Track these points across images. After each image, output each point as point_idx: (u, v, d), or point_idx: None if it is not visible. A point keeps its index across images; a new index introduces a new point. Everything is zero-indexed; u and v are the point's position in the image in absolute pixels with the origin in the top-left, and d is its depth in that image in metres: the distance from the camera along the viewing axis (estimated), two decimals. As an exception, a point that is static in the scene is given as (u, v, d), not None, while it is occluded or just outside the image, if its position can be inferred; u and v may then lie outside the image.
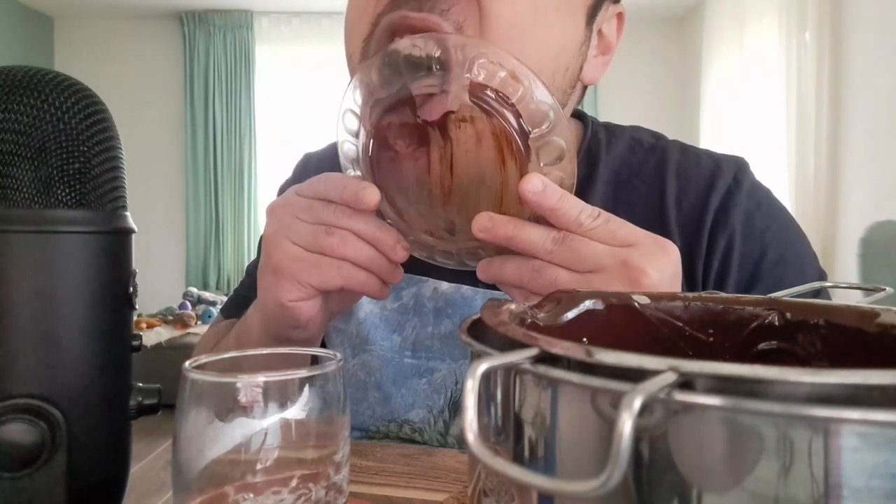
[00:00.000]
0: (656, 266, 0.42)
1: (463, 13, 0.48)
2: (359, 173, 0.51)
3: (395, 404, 0.62)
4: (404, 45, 0.45)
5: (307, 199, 0.49)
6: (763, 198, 0.62)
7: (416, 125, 0.47)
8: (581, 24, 0.56)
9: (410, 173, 0.49)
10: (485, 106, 0.45)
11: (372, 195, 0.46)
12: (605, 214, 0.44)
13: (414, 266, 0.54)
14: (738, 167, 0.62)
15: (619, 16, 0.61)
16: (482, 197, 0.47)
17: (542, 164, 0.45)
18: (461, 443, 0.61)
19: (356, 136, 0.50)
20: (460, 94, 0.45)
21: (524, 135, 0.45)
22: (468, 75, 0.44)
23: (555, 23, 0.53)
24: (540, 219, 0.44)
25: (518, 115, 0.45)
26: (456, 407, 0.61)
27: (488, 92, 0.45)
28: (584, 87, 0.63)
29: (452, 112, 0.45)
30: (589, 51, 0.58)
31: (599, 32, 0.59)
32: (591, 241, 0.43)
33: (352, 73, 0.53)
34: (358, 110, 0.49)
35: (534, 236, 0.43)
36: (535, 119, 0.45)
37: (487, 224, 0.44)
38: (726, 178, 0.61)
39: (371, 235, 0.48)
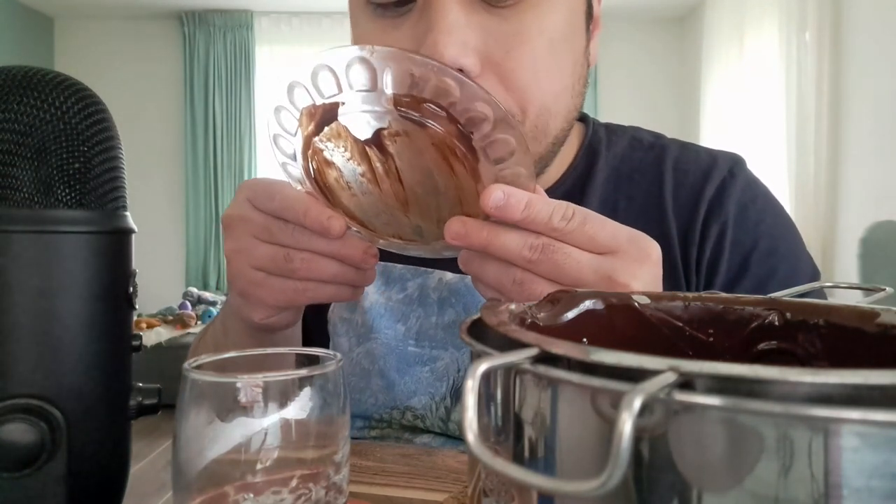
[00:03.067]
0: (640, 278, 0.41)
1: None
2: (309, 188, 0.49)
3: (398, 392, 0.63)
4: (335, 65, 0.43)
5: (263, 217, 0.47)
6: (759, 192, 0.63)
7: (350, 143, 0.45)
8: (583, 32, 0.57)
9: (360, 189, 0.47)
10: (415, 117, 0.43)
11: (337, 226, 0.44)
12: (581, 213, 0.41)
13: (420, 260, 0.54)
14: (734, 162, 0.64)
15: None
16: (441, 203, 0.46)
17: (493, 163, 0.43)
18: (462, 429, 0.61)
19: (294, 158, 0.48)
20: (387, 111, 0.43)
21: (466, 138, 0.42)
22: (390, 91, 0.42)
23: (565, 49, 0.54)
24: None
25: (454, 121, 0.42)
26: (458, 394, 0.62)
27: (412, 102, 0.42)
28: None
29: (383, 128, 0.44)
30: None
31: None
32: (572, 252, 0.41)
33: None
34: (287, 134, 0.47)
35: (510, 243, 0.41)
36: (474, 121, 0.42)
37: (461, 230, 0.41)
38: (722, 170, 0.62)
39: (335, 253, 0.46)
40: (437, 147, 0.44)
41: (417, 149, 0.44)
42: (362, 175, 0.47)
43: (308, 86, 0.43)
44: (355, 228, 0.49)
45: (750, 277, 0.59)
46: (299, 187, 0.49)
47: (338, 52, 0.41)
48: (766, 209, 0.62)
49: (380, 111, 0.43)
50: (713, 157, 0.64)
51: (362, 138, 0.45)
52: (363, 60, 0.41)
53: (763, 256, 0.59)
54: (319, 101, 0.44)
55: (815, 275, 0.61)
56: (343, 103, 0.44)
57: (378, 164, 0.46)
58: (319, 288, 0.48)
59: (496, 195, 0.40)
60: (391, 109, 0.43)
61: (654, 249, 0.43)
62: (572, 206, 0.41)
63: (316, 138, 0.46)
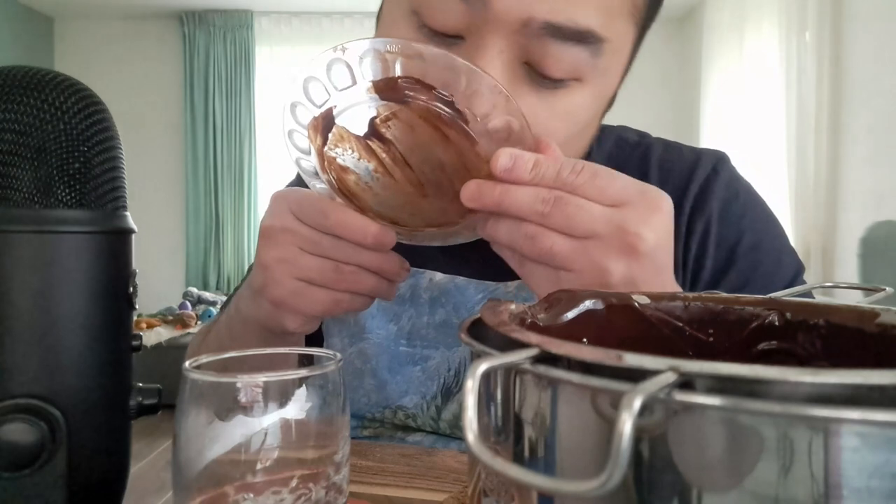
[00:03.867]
0: (652, 227, 0.41)
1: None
2: (324, 186, 0.50)
3: (390, 391, 0.63)
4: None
5: (312, 232, 0.48)
6: (741, 188, 0.64)
7: (353, 142, 0.47)
8: (615, 85, 0.57)
9: (378, 187, 0.49)
10: (396, 97, 0.44)
11: (388, 237, 0.47)
12: (590, 167, 0.42)
13: (411, 259, 0.54)
14: (717, 159, 0.64)
15: None
16: (452, 177, 0.47)
17: (479, 119, 0.44)
18: (452, 427, 0.62)
19: (308, 153, 0.50)
20: (368, 100, 0.45)
21: (447, 102, 0.44)
22: (368, 81, 0.44)
23: (596, 119, 0.56)
24: None
25: (430, 88, 0.43)
26: (448, 393, 0.62)
27: (387, 84, 0.44)
28: None
29: (375, 118, 0.45)
30: None
31: None
32: (583, 203, 0.41)
33: None
34: (302, 130, 0.48)
35: (522, 199, 0.41)
36: (448, 83, 0.43)
37: (475, 192, 0.42)
38: (705, 168, 0.63)
39: (377, 266, 0.49)
40: (425, 119, 0.45)
41: (410, 127, 0.46)
42: (375, 170, 0.48)
43: (302, 100, 0.46)
44: (395, 231, 0.51)
45: (735, 272, 0.59)
46: (313, 182, 0.51)
47: (317, 59, 0.44)
48: (748, 204, 0.63)
49: (364, 102, 0.45)
50: (697, 154, 0.65)
51: (361, 133, 0.46)
52: (339, 60, 0.44)
53: (747, 251, 0.60)
54: (316, 112, 0.46)
55: (798, 268, 0.62)
56: (335, 106, 0.45)
57: (384, 155, 0.47)
58: (354, 299, 0.50)
59: (503, 159, 0.41)
60: (374, 97, 0.45)
61: (665, 201, 0.43)
62: (581, 161, 0.42)
63: (325, 148, 0.47)
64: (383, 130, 0.46)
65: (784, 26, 3.06)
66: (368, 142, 0.47)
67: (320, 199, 0.49)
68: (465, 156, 0.46)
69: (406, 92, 0.44)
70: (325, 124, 0.47)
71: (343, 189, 0.49)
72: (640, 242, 0.41)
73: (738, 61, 3.50)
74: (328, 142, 0.47)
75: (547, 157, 0.42)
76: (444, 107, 0.44)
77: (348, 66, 0.44)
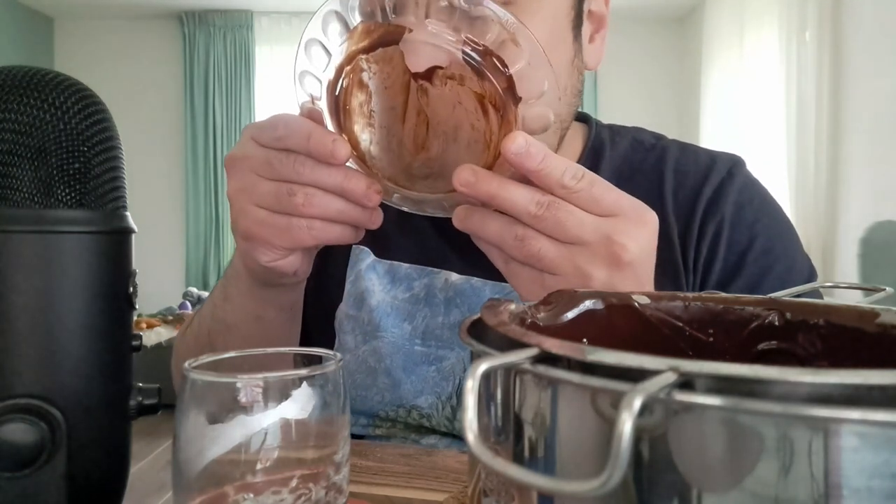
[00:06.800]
0: (636, 240, 0.43)
1: None
2: (318, 107, 0.48)
3: (405, 390, 0.63)
4: None
5: (265, 151, 0.46)
6: (756, 193, 0.64)
7: (394, 73, 0.45)
8: (569, 42, 0.56)
9: (383, 120, 0.47)
10: (477, 66, 0.43)
11: (342, 149, 0.44)
12: (590, 175, 0.42)
13: (427, 259, 0.54)
14: (732, 163, 0.64)
15: None
16: (459, 153, 0.46)
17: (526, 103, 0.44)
18: (462, 429, 0.61)
19: (322, 70, 0.47)
20: (453, 51, 0.43)
21: (514, 102, 0.43)
22: (462, 34, 0.42)
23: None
24: (523, 177, 0.43)
25: (511, 82, 0.43)
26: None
27: (484, 52, 0.43)
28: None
29: (440, 67, 0.44)
30: (584, 41, 0.59)
31: (590, 12, 0.60)
32: (575, 211, 0.42)
33: None
34: (328, 44, 0.46)
35: (518, 197, 0.42)
36: (527, 88, 0.43)
37: (470, 178, 0.42)
38: (720, 171, 0.63)
39: (338, 187, 0.46)
40: (480, 98, 0.44)
41: (461, 96, 0.44)
42: (392, 108, 0.46)
43: (388, 4, 0.43)
44: (355, 167, 0.48)
45: (744, 276, 0.59)
46: (308, 102, 0.48)
47: None
48: (762, 209, 0.63)
49: (444, 49, 0.43)
50: (712, 158, 0.65)
51: (414, 70, 0.44)
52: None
53: (758, 255, 0.60)
54: (384, 21, 0.44)
55: (811, 275, 0.61)
56: (411, 29, 0.43)
57: (413, 100, 0.45)
58: (325, 227, 0.47)
59: (518, 141, 0.41)
60: (459, 50, 0.43)
61: (652, 217, 0.45)
62: (582, 168, 0.43)
63: (363, 56, 0.45)
64: (435, 83, 0.44)
65: (784, 26, 3.06)
66: (413, 80, 0.44)
67: (276, 114, 0.46)
68: (487, 148, 0.45)
69: (488, 70, 0.43)
70: (383, 36, 0.44)
71: (341, 99, 0.46)
72: (624, 253, 0.42)
73: (738, 61, 3.50)
74: (372, 51, 0.45)
75: (556, 155, 0.42)
76: (506, 105, 0.43)
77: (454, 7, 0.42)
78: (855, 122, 2.73)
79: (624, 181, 0.64)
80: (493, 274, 0.62)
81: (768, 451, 0.15)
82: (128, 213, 0.37)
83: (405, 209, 0.53)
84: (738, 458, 0.15)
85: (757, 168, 0.66)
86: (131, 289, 0.37)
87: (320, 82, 0.47)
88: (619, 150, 0.67)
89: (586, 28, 0.60)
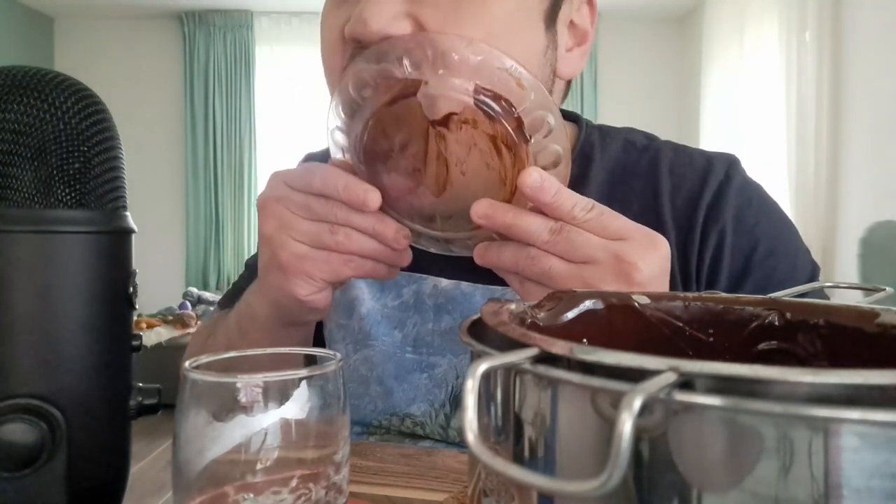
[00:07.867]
0: (647, 261, 0.44)
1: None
2: (348, 157, 0.52)
3: (397, 398, 0.63)
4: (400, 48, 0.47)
5: (302, 195, 0.49)
6: (754, 193, 0.63)
7: (414, 121, 0.48)
8: (540, 31, 0.55)
9: (406, 167, 0.50)
10: (488, 110, 0.46)
11: (375, 199, 0.48)
12: (599, 207, 0.45)
13: (414, 264, 0.54)
14: (728, 164, 0.64)
15: (590, 2, 0.61)
16: (478, 192, 0.48)
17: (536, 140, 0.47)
18: (462, 435, 0.61)
19: (348, 125, 0.51)
20: (464, 98, 0.46)
21: (524, 141, 0.47)
22: (472, 83, 0.46)
23: (512, 42, 0.51)
24: (538, 211, 0.46)
25: (520, 122, 0.46)
26: (457, 401, 0.62)
27: (493, 97, 0.46)
28: (568, 84, 0.63)
29: (455, 113, 0.47)
30: (560, 47, 0.58)
31: (572, 24, 0.59)
32: (585, 234, 0.44)
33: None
34: (355, 99, 0.50)
35: (532, 225, 0.45)
36: (535, 126, 0.47)
37: (488, 211, 0.46)
38: (717, 174, 0.62)
39: (371, 230, 0.49)
40: (493, 140, 0.47)
41: (476, 139, 0.48)
42: (414, 154, 0.49)
43: (406, 62, 0.47)
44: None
45: (751, 282, 0.59)
46: (339, 155, 0.52)
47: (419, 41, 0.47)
48: (761, 209, 0.62)
49: (457, 97, 0.46)
50: (708, 160, 0.64)
51: (432, 118, 0.47)
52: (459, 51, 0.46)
53: (762, 258, 0.59)
54: (403, 76, 0.47)
55: (814, 270, 0.61)
56: (426, 82, 0.47)
57: (432, 146, 0.49)
58: (361, 262, 0.51)
59: (534, 177, 0.44)
60: (471, 97, 0.46)
61: (663, 243, 0.46)
62: (592, 201, 0.45)
63: (386, 108, 0.48)
64: (452, 127, 0.47)
65: (784, 26, 3.06)
66: (431, 127, 0.48)
67: (308, 164, 0.51)
68: (503, 188, 0.48)
69: (500, 114, 0.46)
70: (402, 90, 0.47)
71: (368, 149, 0.50)
72: (635, 272, 0.43)
73: (738, 61, 3.50)
74: (393, 104, 0.48)
75: (567, 189, 0.45)
76: (517, 144, 0.47)
77: (465, 61, 0.46)
78: (855, 122, 2.73)
79: (617, 184, 0.64)
80: (482, 278, 0.62)
81: (768, 451, 0.15)
82: (128, 213, 0.37)
83: (433, 251, 0.56)
84: (738, 458, 0.15)
85: (757, 168, 0.66)
86: (131, 289, 0.37)
87: (347, 136, 0.52)
88: (610, 153, 0.66)
89: (566, 37, 0.58)
